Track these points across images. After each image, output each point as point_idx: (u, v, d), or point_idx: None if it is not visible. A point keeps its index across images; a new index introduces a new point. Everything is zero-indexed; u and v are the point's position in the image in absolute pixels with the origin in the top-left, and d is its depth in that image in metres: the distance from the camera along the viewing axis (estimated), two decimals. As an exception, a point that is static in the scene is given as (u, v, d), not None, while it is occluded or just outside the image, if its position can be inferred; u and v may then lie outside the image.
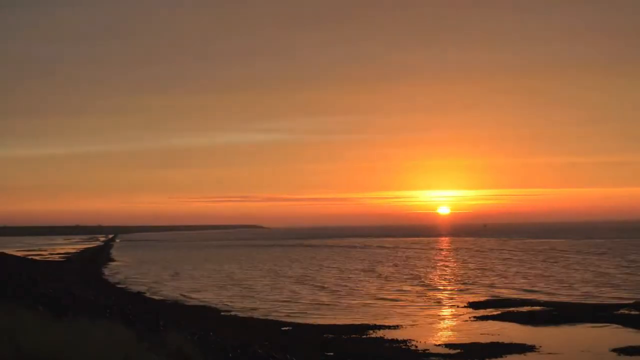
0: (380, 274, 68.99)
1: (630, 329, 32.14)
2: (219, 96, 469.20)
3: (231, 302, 46.88)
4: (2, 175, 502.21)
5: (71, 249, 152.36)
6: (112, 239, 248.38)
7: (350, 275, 68.19)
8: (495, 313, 38.37)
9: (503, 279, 61.13)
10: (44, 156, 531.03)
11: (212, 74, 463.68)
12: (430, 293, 50.70)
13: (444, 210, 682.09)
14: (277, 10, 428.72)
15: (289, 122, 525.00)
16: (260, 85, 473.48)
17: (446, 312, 40.20)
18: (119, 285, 60.03)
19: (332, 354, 26.25)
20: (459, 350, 27.48)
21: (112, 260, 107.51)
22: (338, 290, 53.41)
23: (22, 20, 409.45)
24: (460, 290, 52.90)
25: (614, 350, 27.13)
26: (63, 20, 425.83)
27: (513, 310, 39.32)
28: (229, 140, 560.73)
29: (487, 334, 31.31)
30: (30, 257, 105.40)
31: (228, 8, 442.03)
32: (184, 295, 51.62)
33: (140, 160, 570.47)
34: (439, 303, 44.44)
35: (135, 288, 57.62)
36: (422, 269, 75.73)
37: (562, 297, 45.85)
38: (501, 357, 26.23)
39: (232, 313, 40.61)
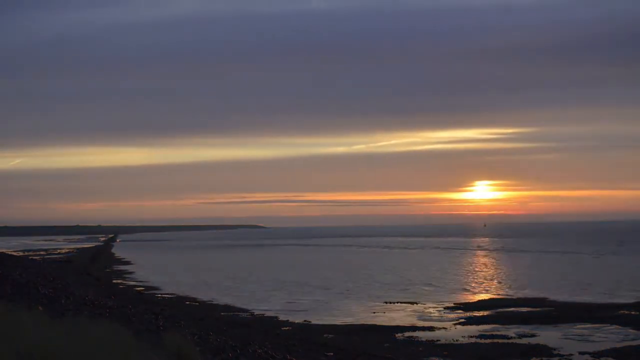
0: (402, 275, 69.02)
1: (630, 329, 32.13)
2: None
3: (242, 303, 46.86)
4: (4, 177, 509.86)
5: (71, 248, 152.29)
6: (113, 239, 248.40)
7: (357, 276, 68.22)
8: (494, 313, 38.39)
9: (503, 280, 61.17)
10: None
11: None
12: (432, 293, 50.68)
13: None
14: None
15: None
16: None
17: (447, 312, 40.14)
18: (119, 285, 59.98)
19: (332, 354, 26.24)
20: (460, 351, 27.48)
21: (113, 260, 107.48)
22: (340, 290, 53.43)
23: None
24: (462, 290, 52.90)
25: (614, 350, 27.11)
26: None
27: (512, 311, 39.34)
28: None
29: (487, 335, 31.30)
30: (30, 257, 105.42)
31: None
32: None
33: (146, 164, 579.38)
34: (440, 303, 44.37)
35: (135, 288, 57.61)
36: (432, 270, 75.78)
37: (562, 297, 45.80)
38: (501, 358, 26.23)
39: (231, 313, 40.60)
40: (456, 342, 29.50)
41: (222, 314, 40.17)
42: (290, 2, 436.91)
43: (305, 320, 36.92)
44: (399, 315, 38.85)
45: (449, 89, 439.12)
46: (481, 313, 38.79)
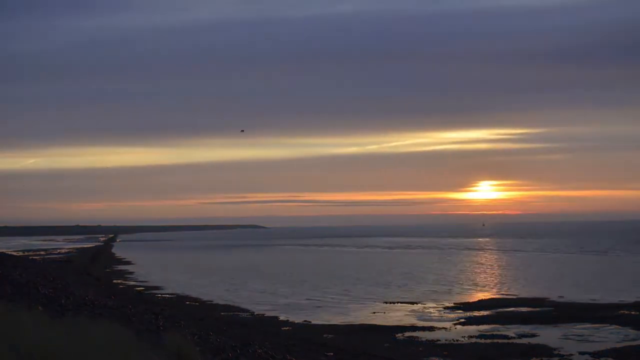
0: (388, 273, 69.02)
1: (630, 329, 32.12)
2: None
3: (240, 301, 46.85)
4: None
5: (71, 248, 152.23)
6: (112, 239, 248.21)
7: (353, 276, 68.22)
8: (494, 313, 38.39)
9: (503, 280, 61.17)
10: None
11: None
12: (432, 293, 50.67)
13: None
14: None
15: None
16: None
17: (447, 312, 40.13)
18: (119, 285, 59.97)
19: (332, 354, 26.24)
20: (460, 351, 27.47)
21: (113, 260, 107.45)
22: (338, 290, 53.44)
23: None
24: (462, 290, 52.89)
25: (614, 350, 27.11)
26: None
27: (512, 311, 39.34)
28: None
29: (487, 335, 31.30)
30: (30, 257, 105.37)
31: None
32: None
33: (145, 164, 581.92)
34: (440, 303, 44.37)
35: (135, 288, 57.59)
36: (432, 270, 75.78)
37: (562, 297, 45.77)
38: (501, 358, 26.23)
39: (231, 313, 40.60)
40: (456, 342, 29.50)
41: (222, 314, 40.15)
42: (299, 6, 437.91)
43: (305, 320, 36.92)
44: (399, 315, 38.84)
45: (451, 90, 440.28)
46: (481, 313, 38.78)
